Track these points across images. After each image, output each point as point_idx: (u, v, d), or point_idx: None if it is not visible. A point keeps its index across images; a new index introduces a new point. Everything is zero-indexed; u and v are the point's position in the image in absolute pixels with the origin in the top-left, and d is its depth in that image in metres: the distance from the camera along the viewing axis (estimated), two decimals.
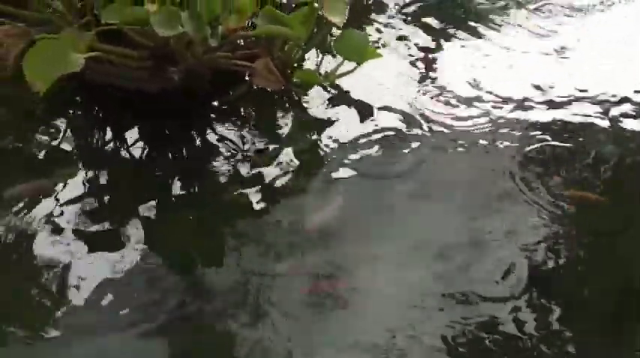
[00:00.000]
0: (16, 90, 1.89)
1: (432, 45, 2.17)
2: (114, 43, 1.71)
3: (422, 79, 2.02)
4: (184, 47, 1.70)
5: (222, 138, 1.82)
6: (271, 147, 1.78)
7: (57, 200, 1.62)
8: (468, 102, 1.94)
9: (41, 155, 1.75)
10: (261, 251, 1.52)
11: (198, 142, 1.82)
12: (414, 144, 1.79)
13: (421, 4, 2.35)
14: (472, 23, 2.28)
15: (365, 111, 1.89)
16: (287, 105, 1.93)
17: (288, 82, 1.79)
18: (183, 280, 1.46)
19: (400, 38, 2.19)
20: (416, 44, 2.16)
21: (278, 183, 1.68)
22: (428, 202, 1.65)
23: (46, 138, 1.80)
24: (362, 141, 1.80)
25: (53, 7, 1.72)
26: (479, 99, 1.95)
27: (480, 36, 2.23)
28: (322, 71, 1.90)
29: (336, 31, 1.84)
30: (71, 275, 1.45)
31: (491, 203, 1.65)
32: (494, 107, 1.92)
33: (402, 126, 1.85)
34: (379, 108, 1.90)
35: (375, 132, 1.84)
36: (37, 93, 1.45)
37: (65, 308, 1.40)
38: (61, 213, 1.58)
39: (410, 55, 2.12)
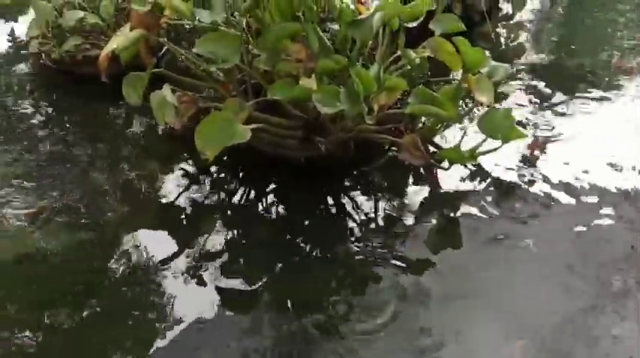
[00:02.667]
0: (171, 148, 2.05)
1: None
2: (267, 112, 1.81)
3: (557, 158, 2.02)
4: (338, 120, 1.77)
5: (356, 206, 1.86)
6: (403, 218, 1.81)
7: (199, 253, 1.70)
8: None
9: (188, 210, 1.85)
10: (384, 320, 1.52)
11: (333, 207, 1.87)
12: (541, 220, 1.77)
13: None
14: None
15: (501, 188, 1.89)
16: (422, 176, 1.95)
17: (430, 157, 1.82)
18: (309, 343, 1.47)
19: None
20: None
21: (407, 254, 1.68)
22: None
23: (193, 194, 1.91)
24: (496, 218, 1.79)
25: (215, 77, 1.84)
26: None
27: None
28: (463, 146, 1.92)
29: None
30: (206, 328, 1.50)
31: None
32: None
33: (537, 208, 1.82)
34: (514, 186, 1.90)
35: (508, 210, 1.81)
36: (206, 160, 1.56)
37: None
38: (200, 267, 1.66)
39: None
